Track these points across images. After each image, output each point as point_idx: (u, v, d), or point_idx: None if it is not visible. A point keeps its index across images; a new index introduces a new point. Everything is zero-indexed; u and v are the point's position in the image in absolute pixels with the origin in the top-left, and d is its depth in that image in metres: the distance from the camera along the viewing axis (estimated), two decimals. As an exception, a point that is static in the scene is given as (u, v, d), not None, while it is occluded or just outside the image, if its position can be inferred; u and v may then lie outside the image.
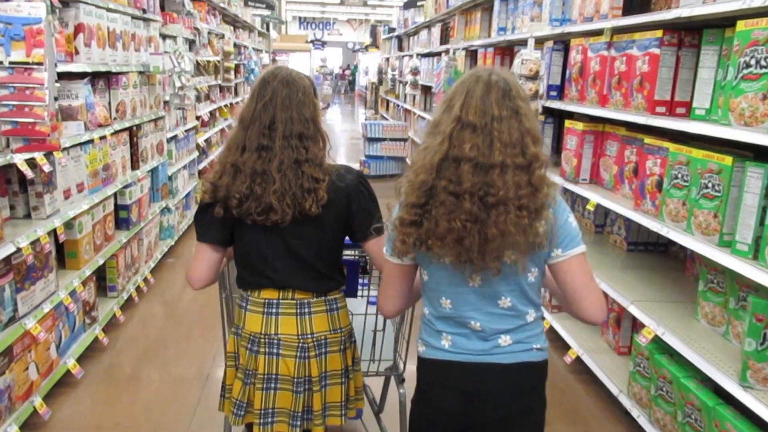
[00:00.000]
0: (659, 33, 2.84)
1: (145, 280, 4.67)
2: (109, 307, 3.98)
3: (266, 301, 1.90)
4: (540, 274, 1.64)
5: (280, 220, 1.78)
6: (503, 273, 1.55)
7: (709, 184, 2.43)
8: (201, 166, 7.11)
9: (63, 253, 3.48)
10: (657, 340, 2.78)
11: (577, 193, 3.70)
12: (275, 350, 1.88)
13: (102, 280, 4.12)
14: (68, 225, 3.41)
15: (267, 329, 1.89)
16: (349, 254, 2.24)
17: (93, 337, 3.64)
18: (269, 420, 1.91)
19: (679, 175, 2.63)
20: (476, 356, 1.63)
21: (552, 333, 3.95)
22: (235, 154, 1.81)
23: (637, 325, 3.36)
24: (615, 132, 3.47)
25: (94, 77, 3.83)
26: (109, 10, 3.84)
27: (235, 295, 2.15)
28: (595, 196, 3.42)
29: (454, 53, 6.79)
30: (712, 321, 2.71)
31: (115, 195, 4.22)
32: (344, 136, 15.31)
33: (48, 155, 2.99)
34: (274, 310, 1.89)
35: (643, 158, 2.97)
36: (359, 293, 2.33)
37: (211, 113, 7.78)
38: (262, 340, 1.89)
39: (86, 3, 3.48)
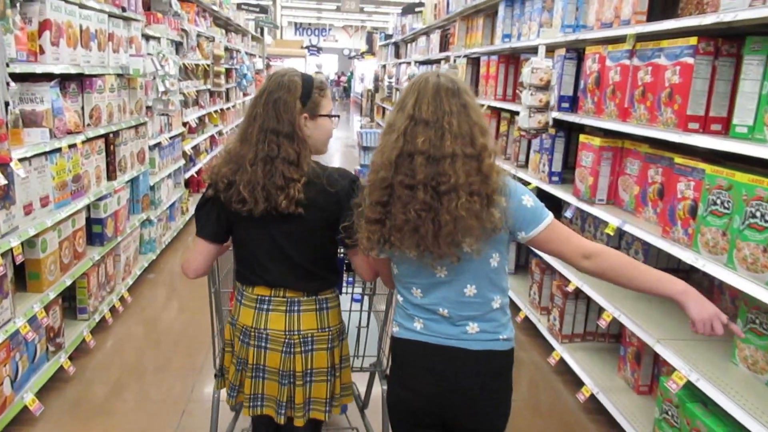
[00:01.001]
0: (693, 40, 2.53)
1: (122, 299, 4.32)
2: (78, 331, 3.62)
3: (259, 297, 1.98)
4: (503, 259, 1.74)
5: (253, 211, 1.84)
6: (466, 262, 1.66)
7: (757, 214, 2.11)
8: (188, 175, 6.76)
9: (24, 275, 3.13)
10: (689, 386, 2.46)
11: (593, 215, 3.38)
12: (263, 344, 1.97)
13: (72, 300, 3.77)
14: (30, 243, 3.07)
15: (257, 324, 1.97)
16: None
17: (57, 367, 3.29)
18: (258, 404, 2.03)
19: (719, 201, 2.31)
20: (446, 340, 1.75)
21: (563, 365, 3.63)
22: (236, 145, 1.92)
23: (659, 362, 3.05)
24: (636, 149, 3.16)
25: (65, 80, 3.49)
26: (82, 6, 3.51)
27: (224, 290, 2.32)
28: (614, 219, 3.11)
29: (454, 61, 6.49)
30: (753, 366, 2.39)
31: (88, 208, 3.88)
32: (339, 144, 14.98)
33: (3, 167, 2.65)
34: (265, 307, 1.97)
35: (673, 179, 2.65)
36: (344, 290, 2.33)
37: (200, 119, 7.44)
38: (253, 334, 1.98)
39: (54, -3, 3.15)
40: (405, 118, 1.64)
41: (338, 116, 2.09)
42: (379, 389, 2.48)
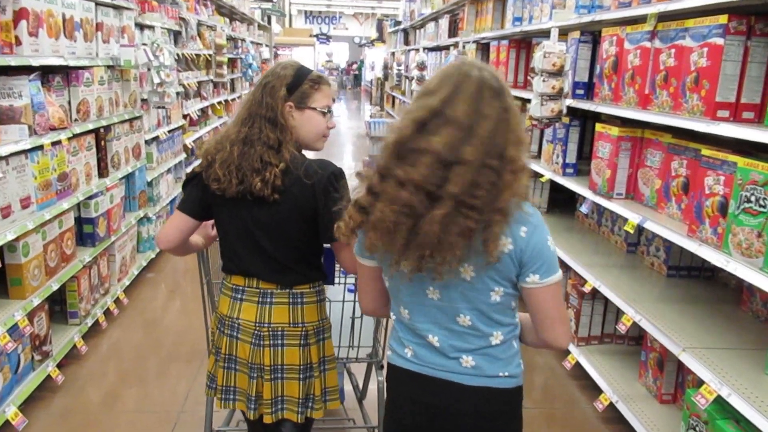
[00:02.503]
0: (723, 19, 2.28)
1: (117, 301, 4.15)
2: (69, 336, 3.46)
3: (234, 286, 1.97)
4: (508, 296, 1.49)
5: (226, 191, 1.82)
6: (461, 288, 1.46)
7: (799, 213, 1.88)
8: (189, 169, 6.58)
9: (5, 281, 2.96)
10: (719, 400, 2.23)
11: (611, 210, 3.15)
12: (235, 333, 1.96)
13: (62, 304, 3.61)
14: (10, 248, 2.90)
15: (231, 312, 1.97)
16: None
17: (44, 376, 3.12)
18: (230, 397, 2.01)
19: (753, 198, 2.08)
20: (438, 372, 1.54)
21: (579, 370, 3.41)
22: (230, 124, 1.93)
23: (684, 369, 2.82)
24: (658, 139, 2.92)
25: (48, 72, 3.30)
26: (64, -6, 3.32)
27: (216, 281, 2.25)
28: (633, 216, 2.87)
29: (463, 47, 6.24)
30: (791, 380, 2.16)
31: (78, 207, 3.70)
32: (350, 134, 14.76)
33: (-26, 168, 2.47)
34: (239, 296, 1.96)
35: (700, 173, 2.41)
36: (337, 280, 2.33)
37: (203, 111, 7.25)
38: (227, 323, 1.97)
39: (31, -15, 2.96)
40: (429, 111, 1.38)
41: (330, 112, 1.97)
42: (375, 381, 2.49)
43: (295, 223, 1.86)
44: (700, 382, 2.30)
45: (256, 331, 1.93)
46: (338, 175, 1.85)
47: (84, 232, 3.77)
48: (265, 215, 1.85)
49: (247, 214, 1.86)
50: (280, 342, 1.93)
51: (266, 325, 1.92)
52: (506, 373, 1.54)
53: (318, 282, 2.00)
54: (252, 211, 1.85)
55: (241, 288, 1.95)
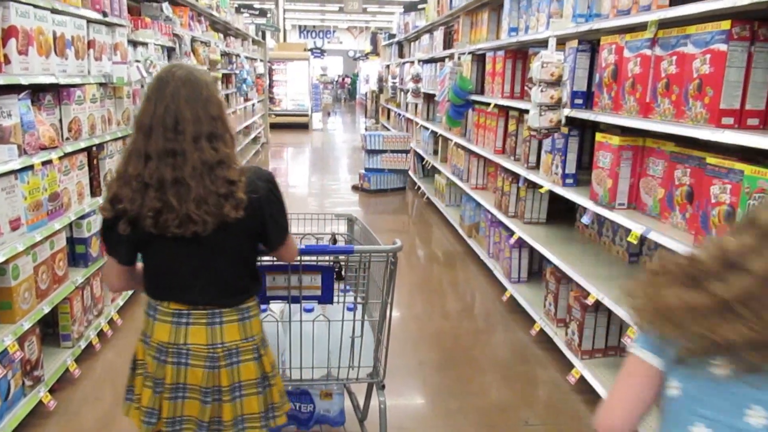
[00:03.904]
0: (726, 24, 2.24)
1: (111, 322, 4.07)
2: (61, 360, 3.37)
3: (175, 311, 1.82)
4: None
5: (201, 230, 1.69)
6: None
7: (812, 222, 1.82)
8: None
9: (-5, 304, 2.88)
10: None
11: (613, 220, 3.09)
12: (184, 360, 1.82)
13: (54, 326, 3.53)
14: (-1, 270, 2.82)
15: (176, 339, 1.82)
16: (324, 261, 2.22)
17: (35, 402, 3.04)
18: (177, 428, 1.87)
19: (762, 207, 2.02)
20: None
21: (584, 384, 3.34)
22: (138, 164, 1.67)
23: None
24: (660, 148, 2.87)
25: (38, 91, 3.25)
26: (54, 11, 3.26)
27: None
28: (637, 226, 2.82)
29: (459, 58, 6.21)
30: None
31: (70, 227, 3.63)
32: (345, 147, 14.73)
33: (-39, 189, 2.40)
34: (184, 320, 1.82)
35: (705, 182, 2.36)
36: (336, 300, 2.28)
37: (197, 127, 7.20)
38: (171, 350, 1.82)
39: (19, 2, 2.90)
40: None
41: None
42: (377, 400, 2.43)
43: (250, 236, 1.83)
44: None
45: (210, 354, 1.82)
46: (272, 179, 1.83)
47: (76, 252, 3.70)
48: (228, 237, 1.76)
49: (209, 243, 1.75)
50: (235, 360, 1.85)
51: (220, 345, 1.83)
52: None
53: (256, 293, 1.97)
54: (215, 238, 1.74)
55: (185, 312, 1.82)
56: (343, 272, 2.49)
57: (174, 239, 1.71)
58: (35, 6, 3.06)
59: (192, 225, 1.66)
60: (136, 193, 1.66)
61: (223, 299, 1.84)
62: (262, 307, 2.32)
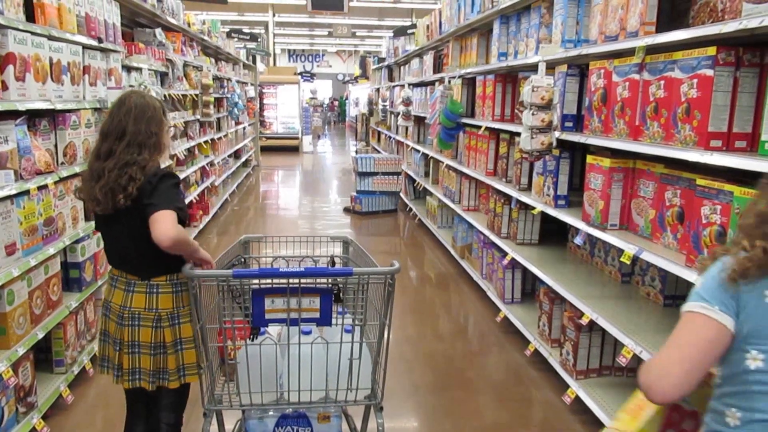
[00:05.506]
0: (712, 50, 2.31)
1: (104, 346, 4.04)
2: (55, 386, 3.34)
3: (112, 275, 2.40)
4: None
5: (101, 210, 2.25)
6: None
7: (801, 242, 1.86)
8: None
9: (-11, 330, 2.87)
10: None
11: (605, 241, 3.13)
12: (107, 313, 2.38)
13: (47, 352, 3.50)
14: (-6, 296, 2.81)
15: (108, 296, 2.39)
16: (322, 283, 2.24)
17: (29, 429, 3.00)
18: (105, 365, 2.42)
19: (752, 227, 2.06)
20: None
21: (579, 404, 3.35)
22: (93, 160, 2.30)
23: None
24: (650, 169, 2.93)
25: (34, 116, 3.27)
26: (51, 38, 3.29)
27: (210, 326, 2.29)
28: (629, 246, 2.86)
29: (449, 82, 6.30)
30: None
31: (64, 252, 3.63)
32: (335, 170, 14.79)
33: (-42, 215, 2.41)
34: (114, 284, 2.38)
35: (696, 203, 2.41)
36: (334, 322, 2.25)
37: (189, 150, 7.22)
38: (105, 304, 2.41)
39: (17, 30, 2.93)
40: None
41: None
42: (374, 423, 2.41)
43: (140, 223, 2.20)
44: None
45: (119, 313, 2.32)
46: (164, 175, 2.23)
47: (70, 276, 3.69)
48: (129, 219, 2.25)
49: (116, 222, 2.27)
50: (137, 323, 2.31)
51: (128, 308, 2.31)
52: None
53: (175, 275, 2.34)
54: (121, 219, 2.25)
55: (116, 277, 2.37)
56: (341, 294, 2.50)
57: (104, 218, 2.29)
58: (33, 33, 3.09)
59: (96, 205, 2.23)
60: (86, 182, 2.29)
61: (132, 271, 2.33)
62: (261, 330, 2.33)
